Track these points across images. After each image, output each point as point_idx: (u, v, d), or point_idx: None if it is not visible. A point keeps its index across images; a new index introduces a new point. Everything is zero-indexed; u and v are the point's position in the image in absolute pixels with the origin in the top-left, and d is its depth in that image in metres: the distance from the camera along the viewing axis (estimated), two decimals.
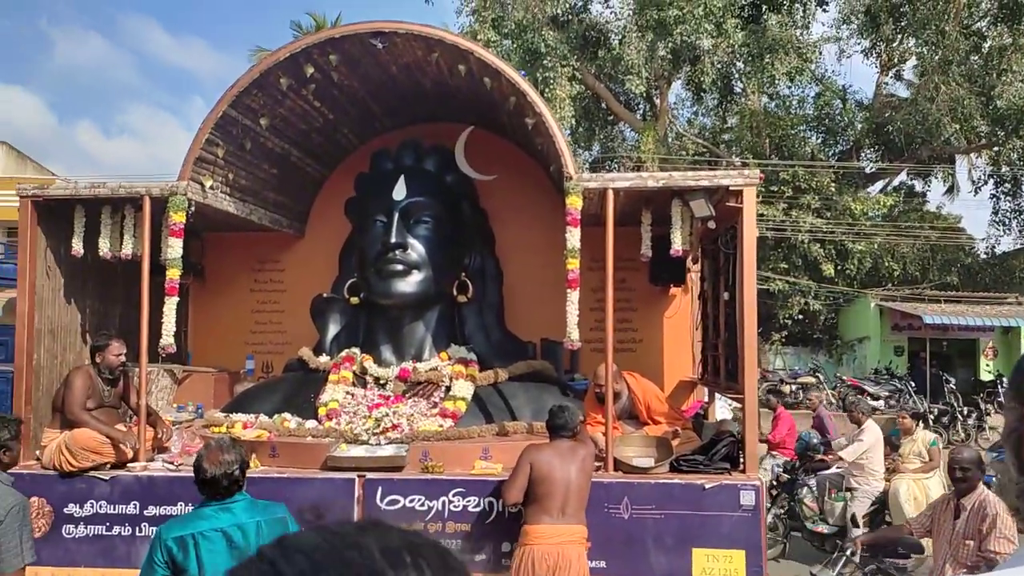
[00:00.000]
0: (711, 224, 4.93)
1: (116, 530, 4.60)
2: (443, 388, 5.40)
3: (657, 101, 21.73)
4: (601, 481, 4.47)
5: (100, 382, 4.82)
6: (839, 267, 19.61)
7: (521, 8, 18.04)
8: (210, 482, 2.74)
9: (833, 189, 19.01)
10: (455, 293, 5.88)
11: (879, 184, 21.42)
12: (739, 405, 7.29)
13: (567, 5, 18.54)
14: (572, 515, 3.91)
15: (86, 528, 4.61)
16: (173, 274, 4.87)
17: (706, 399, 6.35)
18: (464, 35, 18.95)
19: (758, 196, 17.02)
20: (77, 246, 5.10)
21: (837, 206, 19.36)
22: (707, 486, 4.41)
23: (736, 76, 20.23)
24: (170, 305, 4.89)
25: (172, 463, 4.82)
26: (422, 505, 4.53)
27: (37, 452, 4.77)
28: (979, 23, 18.05)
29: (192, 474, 4.52)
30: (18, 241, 4.95)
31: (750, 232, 4.65)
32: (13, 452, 3.11)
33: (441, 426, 5.03)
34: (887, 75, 20.66)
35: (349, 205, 6.19)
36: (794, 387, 18.02)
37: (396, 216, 5.51)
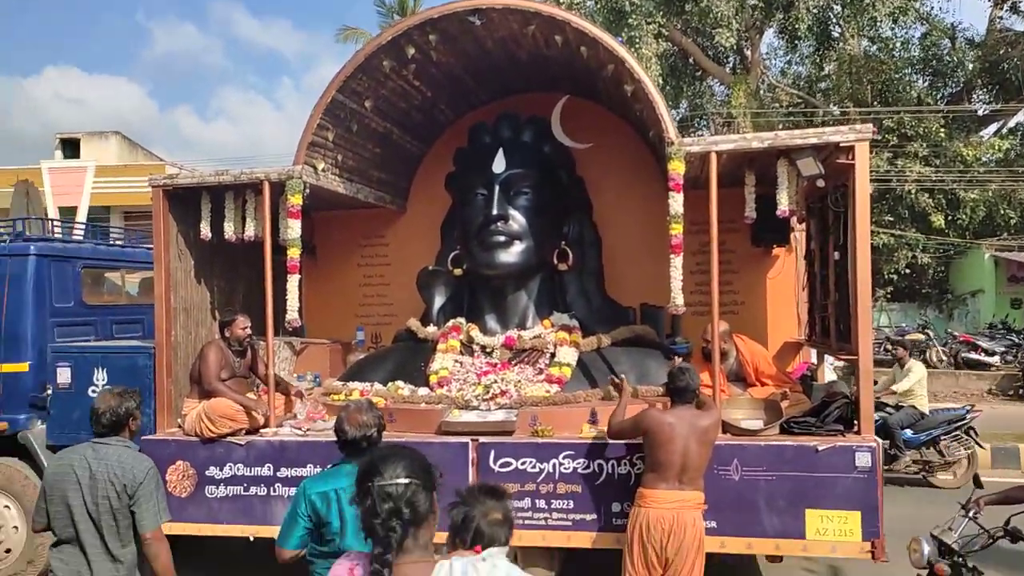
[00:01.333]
0: (820, 183, 4.83)
1: (253, 490, 4.98)
2: (548, 355, 5.54)
3: (748, 53, 21.00)
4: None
5: (230, 354, 5.19)
6: (949, 217, 18.63)
7: None
8: (350, 443, 2.92)
9: (943, 135, 17.98)
10: (556, 261, 5.98)
11: (993, 127, 20.11)
12: (840, 364, 7.32)
13: None
14: (689, 482, 3.92)
15: (226, 489, 5.01)
16: (294, 253, 5.17)
17: (814, 360, 6.26)
18: None
19: None
20: (205, 230, 5.47)
21: (947, 153, 18.32)
22: (820, 448, 4.39)
23: (834, 20, 19.26)
24: (293, 282, 5.20)
25: (300, 428, 5.15)
26: (533, 467, 4.70)
27: (179, 420, 5.20)
28: None
29: (319, 438, 4.92)
30: (152, 227, 5.34)
31: (863, 189, 4.52)
32: (138, 421, 3.31)
33: (548, 391, 5.17)
34: (1002, 8, 19.23)
35: (450, 179, 6.35)
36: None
37: (497, 188, 5.64)
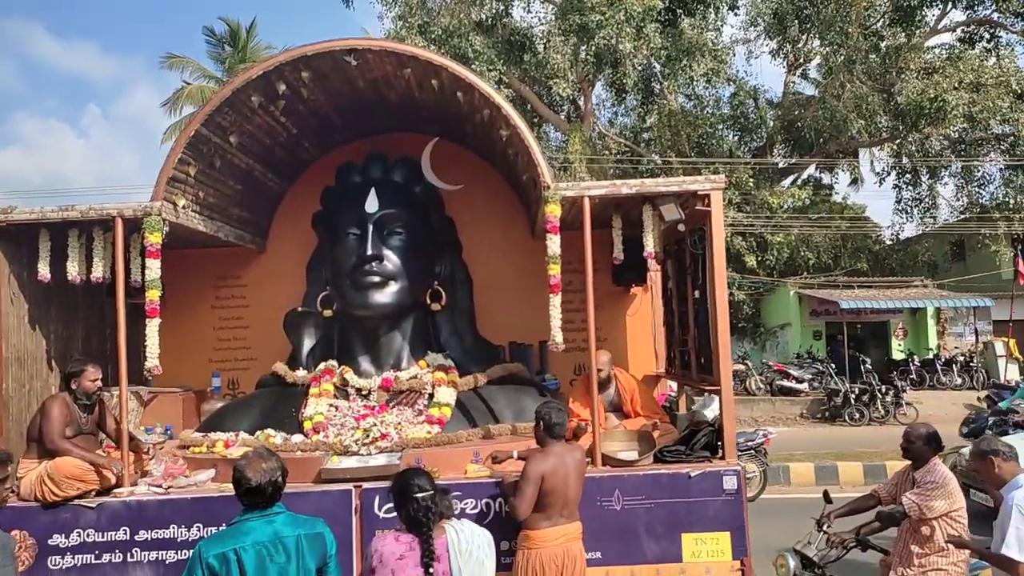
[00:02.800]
0: (680, 227, 5.19)
1: (106, 557, 4.50)
2: (426, 395, 5.49)
3: (581, 103, 22.21)
4: (593, 476, 4.66)
5: (77, 409, 4.69)
6: (759, 258, 20.53)
7: (447, 14, 18.15)
8: (255, 490, 2.74)
9: (751, 184, 19.88)
10: (428, 301, 5.97)
11: (790, 178, 22.52)
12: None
13: (491, 11, 18.73)
14: (569, 515, 4.03)
15: (73, 558, 4.49)
16: (153, 295, 4.81)
17: (672, 391, 6.64)
18: (391, 38, 18.96)
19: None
20: (44, 270, 4.96)
21: (755, 200, 20.25)
22: (692, 474, 4.65)
23: (655, 77, 20.88)
24: (152, 327, 4.83)
25: (159, 485, 4.74)
26: None
27: (13, 484, 4.61)
28: (877, 24, 19.22)
29: (183, 494, 4.54)
30: None
31: (719, 232, 4.92)
32: None
33: (429, 432, 5.12)
34: (794, 74, 21.74)
35: (317, 218, 6.20)
36: None
37: (371, 228, 5.57)
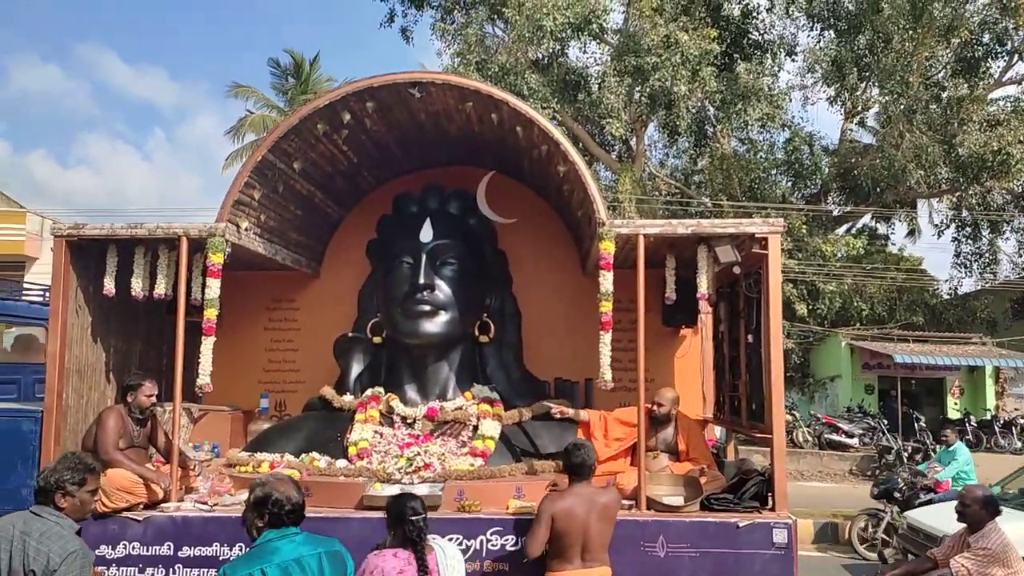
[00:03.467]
0: (736, 269, 5.13)
1: (149, 572, 4.54)
2: (470, 427, 5.47)
3: (634, 143, 22.28)
4: (637, 520, 4.58)
5: (131, 422, 4.80)
6: (811, 307, 20.12)
7: (504, 52, 18.45)
8: (297, 509, 2.80)
9: (804, 231, 19.59)
10: (477, 333, 5.98)
11: (844, 227, 22.14)
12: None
13: (548, 50, 18.99)
14: (592, 560, 3.93)
15: (118, 570, 4.54)
16: (211, 314, 4.91)
17: (719, 438, 6.50)
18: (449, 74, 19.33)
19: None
20: (109, 285, 5.11)
21: (808, 247, 19.93)
22: (741, 524, 4.53)
23: (709, 120, 20.85)
24: (207, 345, 4.93)
25: (204, 503, 4.79)
26: (460, 544, 4.55)
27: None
28: (939, 74, 18.95)
29: (227, 513, 4.58)
30: (52, 280, 4.92)
31: (775, 276, 4.85)
32: (75, 499, 2.89)
33: (472, 465, 5.09)
34: (851, 122, 21.49)
35: (371, 246, 6.29)
36: None
37: (424, 258, 5.63)
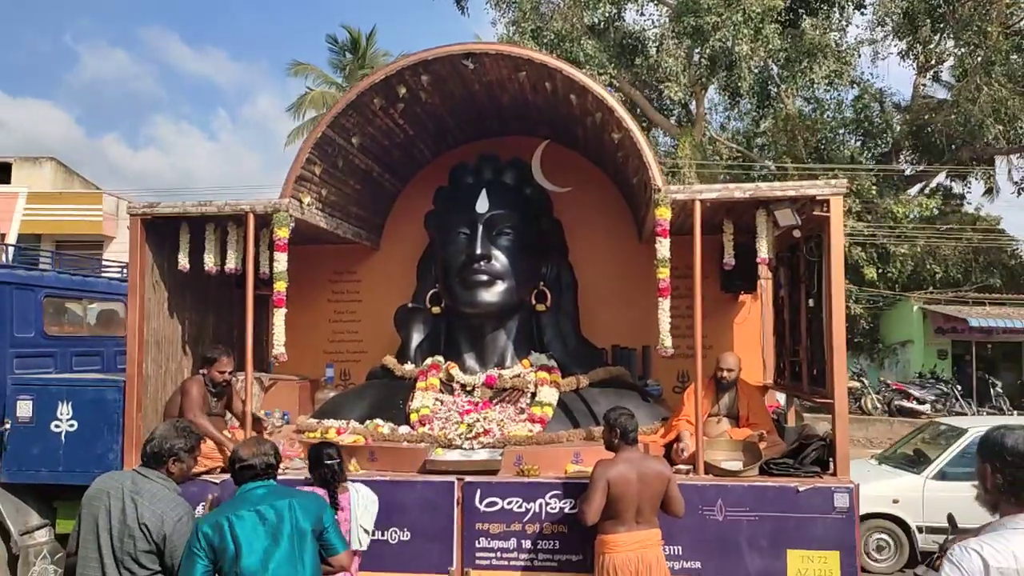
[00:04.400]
0: (796, 233, 5.05)
1: None
2: (528, 394, 5.55)
3: (693, 107, 21.82)
4: (695, 484, 4.61)
5: (207, 393, 5.04)
6: (880, 270, 19.53)
7: (560, 18, 18.23)
8: (247, 466, 3.01)
9: (874, 192, 18.95)
10: (534, 302, 6.04)
11: (917, 186, 21.33)
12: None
13: (604, 15, 18.68)
14: (646, 522, 4.01)
15: None
16: (280, 287, 5.10)
17: (781, 403, 6.45)
18: (505, 43, 19.24)
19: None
20: (183, 261, 5.34)
21: (878, 209, 19.29)
22: (801, 489, 4.51)
23: (772, 80, 20.24)
24: (279, 316, 5.12)
25: None
26: (520, 507, 4.68)
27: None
28: (1020, 22, 17.93)
29: (295, 476, 4.80)
30: (129, 257, 5.18)
31: (837, 240, 4.75)
32: (184, 464, 3.14)
33: (531, 431, 5.18)
34: (925, 76, 20.57)
35: (429, 217, 6.38)
36: None
37: (480, 228, 5.69)
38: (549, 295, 6.07)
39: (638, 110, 21.89)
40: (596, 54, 18.19)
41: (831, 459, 4.72)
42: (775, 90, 20.68)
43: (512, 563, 4.66)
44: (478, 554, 4.70)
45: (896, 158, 20.47)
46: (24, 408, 5.12)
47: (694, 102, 21.93)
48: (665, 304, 4.86)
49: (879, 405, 17.16)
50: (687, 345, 6.11)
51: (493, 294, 5.72)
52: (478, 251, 5.62)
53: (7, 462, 5.20)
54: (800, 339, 5.52)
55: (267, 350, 6.76)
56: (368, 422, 5.44)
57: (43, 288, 5.88)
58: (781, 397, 6.95)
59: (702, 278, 6.11)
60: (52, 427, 5.11)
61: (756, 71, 19.05)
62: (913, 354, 19.82)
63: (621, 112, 5.10)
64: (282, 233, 5.07)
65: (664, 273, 4.85)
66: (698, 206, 4.91)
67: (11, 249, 7.11)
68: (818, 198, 4.82)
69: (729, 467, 4.82)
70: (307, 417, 5.84)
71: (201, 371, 5.09)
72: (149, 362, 5.25)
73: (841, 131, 21.33)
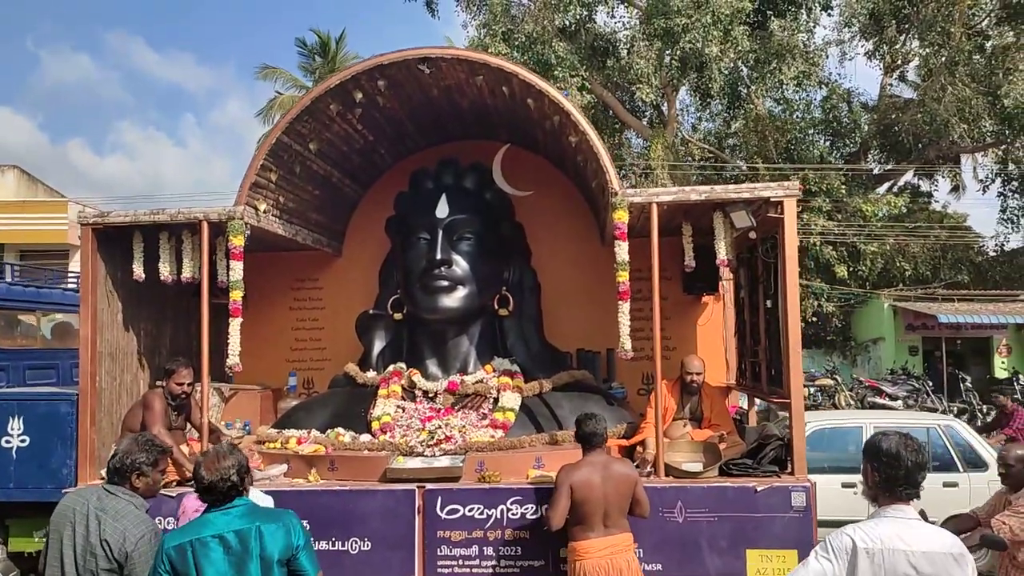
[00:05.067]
0: (751, 234, 5.08)
1: None
2: (491, 400, 5.53)
3: (665, 108, 21.94)
4: (655, 486, 4.61)
5: (168, 406, 4.96)
6: (851, 268, 19.73)
7: (531, 21, 18.25)
8: (208, 488, 2.82)
9: (843, 191, 19.15)
10: (496, 307, 6.03)
11: (885, 185, 21.58)
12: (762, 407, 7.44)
13: (575, 17, 18.72)
14: (615, 525, 4.00)
15: None
16: (236, 296, 5.04)
17: (742, 404, 6.48)
18: (474, 48, 19.22)
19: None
20: (138, 270, 5.27)
21: (848, 208, 19.50)
22: (759, 489, 4.54)
23: (742, 81, 20.40)
24: (235, 326, 5.07)
25: None
26: (481, 513, 4.66)
27: (102, 471, 4.91)
28: (982, 23, 18.22)
29: (255, 488, 4.73)
30: (80, 267, 5.10)
31: (791, 241, 4.80)
32: (148, 479, 3.06)
33: (493, 437, 5.16)
34: (891, 76, 20.83)
35: (390, 223, 6.35)
36: (812, 389, 18.17)
37: (440, 233, 5.68)
38: (512, 300, 6.06)
39: (610, 112, 21.99)
40: (567, 56, 18.21)
41: (789, 458, 4.74)
42: (745, 91, 20.82)
43: (474, 570, 4.65)
44: (440, 562, 4.67)
45: (864, 157, 20.73)
46: None
47: (666, 104, 22.03)
48: (625, 307, 4.87)
49: (852, 402, 17.27)
50: (650, 347, 6.16)
51: (454, 299, 5.70)
52: (438, 256, 5.60)
53: None
54: (760, 339, 5.55)
55: (224, 359, 6.70)
56: (329, 431, 5.40)
57: None
58: (744, 398, 6.99)
59: (664, 280, 6.17)
60: (2, 443, 5.02)
61: (726, 72, 19.18)
62: (885, 351, 20.05)
63: (577, 116, 5.10)
64: (237, 241, 5.01)
65: (623, 276, 4.86)
66: (655, 209, 4.94)
67: None
68: (772, 200, 4.85)
69: (690, 468, 4.84)
70: (267, 427, 5.77)
71: (159, 384, 5.01)
72: (103, 374, 5.17)
73: (810, 131, 21.54)
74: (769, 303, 5.20)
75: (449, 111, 6.07)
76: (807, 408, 17.25)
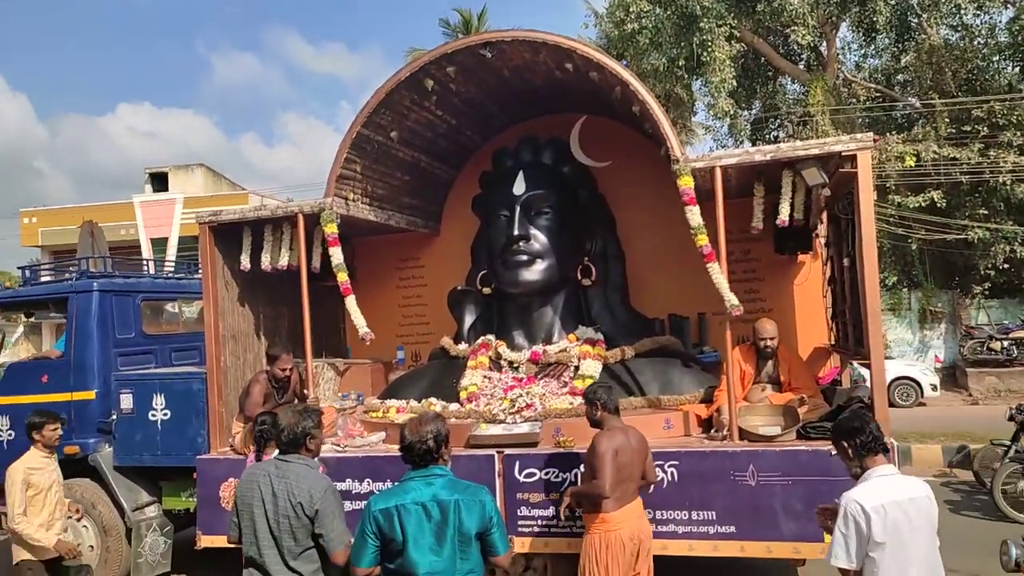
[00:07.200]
0: (826, 192, 4.83)
1: None
2: (572, 368, 5.69)
3: (824, 49, 20.44)
4: (727, 450, 4.61)
5: (270, 388, 5.52)
6: None
7: None
8: (406, 448, 3.04)
9: None
10: (579, 277, 6.14)
11: None
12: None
13: None
14: (635, 492, 4.08)
15: None
16: (343, 277, 5.53)
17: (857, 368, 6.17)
18: (616, 8, 18.89)
19: (949, 138, 15.42)
20: (245, 261, 5.90)
21: None
22: (834, 452, 4.37)
23: (912, 10, 18.57)
24: (351, 302, 5.56)
25: (339, 445, 5.48)
26: (556, 477, 4.84)
27: (230, 440, 5.63)
28: None
29: (356, 453, 5.22)
30: (200, 260, 5.82)
31: (866, 196, 4.53)
32: (317, 439, 3.35)
33: (572, 404, 5.32)
34: None
35: (476, 202, 6.62)
36: (1006, 343, 16.50)
37: (518, 209, 5.86)
38: (595, 269, 6.13)
39: (762, 60, 20.85)
40: (713, 5, 17.45)
41: None
42: (915, 21, 18.95)
43: (552, 530, 4.85)
44: (520, 523, 4.91)
45: None
46: (126, 401, 5.90)
47: (824, 44, 20.50)
48: (714, 268, 4.76)
49: None
50: (746, 310, 6.01)
51: (534, 272, 5.88)
52: (516, 232, 5.80)
53: (117, 448, 6.02)
54: (846, 299, 5.27)
55: (345, 336, 7.33)
56: (424, 401, 5.79)
57: (139, 293, 6.67)
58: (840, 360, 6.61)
59: (756, 241, 6.01)
60: (149, 416, 5.85)
61: (893, 2, 17.59)
62: None
63: (636, 84, 5.08)
64: (329, 229, 5.49)
65: (703, 240, 4.82)
66: (718, 172, 4.84)
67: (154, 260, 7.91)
68: (844, 154, 4.60)
69: (766, 432, 4.75)
70: (374, 398, 6.29)
71: (266, 369, 5.61)
72: (227, 355, 5.87)
73: (995, 58, 19.25)
74: (847, 261, 4.92)
75: (525, 89, 6.19)
76: (1001, 364, 15.85)
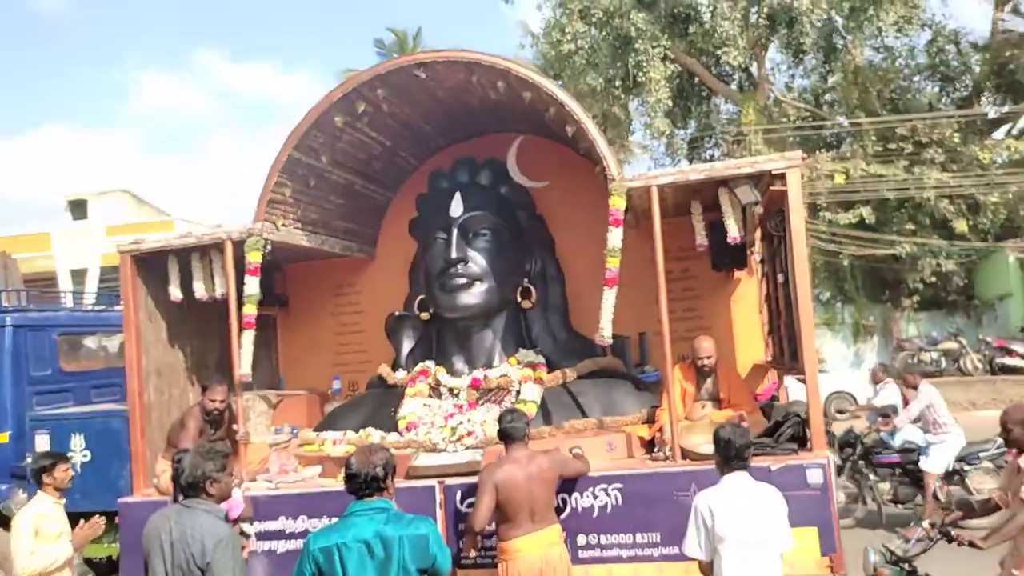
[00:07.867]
0: (758, 209, 4.88)
1: None
2: (514, 393, 5.58)
3: (754, 70, 21.01)
4: (670, 470, 4.56)
5: (203, 422, 5.27)
6: (971, 222, 18.24)
7: None
8: (351, 476, 2.94)
9: (957, 139, 17.73)
10: (519, 299, 6.05)
11: (1003, 129, 19.78)
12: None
13: None
14: (543, 519, 3.98)
15: None
16: (249, 309, 5.31)
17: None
18: (552, 28, 19.08)
19: (876, 155, 15.84)
20: (175, 291, 5.65)
21: (963, 157, 18.03)
22: (773, 467, 4.38)
23: (837, 32, 19.26)
24: (247, 338, 5.32)
25: (271, 481, 5.24)
26: None
27: (153, 480, 5.34)
28: None
29: (289, 490, 5.01)
30: (121, 291, 5.54)
31: (797, 213, 4.59)
32: (220, 484, 3.22)
33: None
34: (1002, 10, 19.00)
35: (413, 225, 6.51)
36: (935, 354, 17.04)
37: (455, 232, 5.76)
38: (534, 291, 6.06)
39: (696, 80, 21.29)
40: (647, 27, 17.77)
41: (807, 435, 4.56)
42: (841, 42, 19.65)
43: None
44: (462, 554, 4.76)
45: (977, 101, 19.08)
46: (42, 443, 5.58)
47: (755, 65, 21.08)
48: (610, 294, 4.83)
49: (980, 365, 16.20)
50: (685, 328, 6.04)
51: (473, 296, 5.78)
52: (454, 255, 5.69)
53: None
54: (780, 314, 5.31)
55: (278, 367, 7.09)
56: (362, 431, 5.60)
57: (57, 327, 6.34)
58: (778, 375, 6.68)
59: (693, 259, 6.04)
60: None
61: (819, 25, 18.20)
62: (1012, 308, 18.41)
63: (572, 105, 5.06)
64: (253, 257, 5.29)
65: (613, 263, 4.82)
66: (654, 191, 4.84)
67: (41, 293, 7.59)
68: (774, 172, 4.65)
69: (706, 450, 4.70)
70: (309, 430, 6.06)
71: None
72: (151, 390, 5.59)
73: (916, 78, 20.08)
74: (781, 277, 4.97)
75: (461, 109, 6.13)
76: (931, 375, 16.27)
